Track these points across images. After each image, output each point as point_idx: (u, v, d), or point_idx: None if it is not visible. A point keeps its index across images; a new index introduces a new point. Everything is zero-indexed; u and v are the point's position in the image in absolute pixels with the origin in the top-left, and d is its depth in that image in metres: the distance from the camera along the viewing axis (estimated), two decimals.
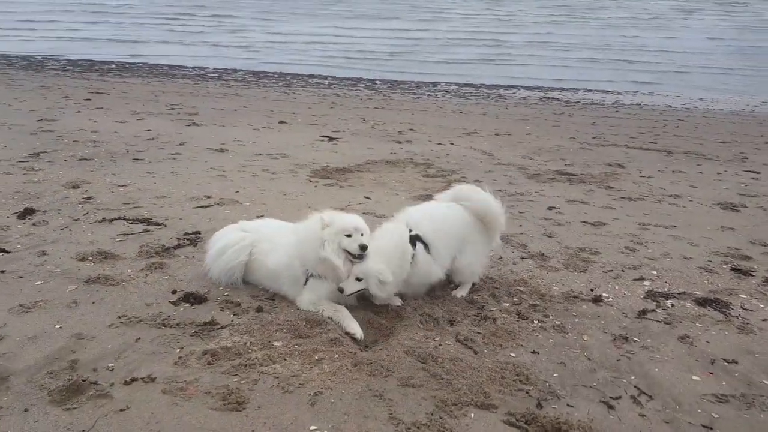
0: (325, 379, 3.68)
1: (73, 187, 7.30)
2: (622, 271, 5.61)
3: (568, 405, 3.58)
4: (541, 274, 5.44)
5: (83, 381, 3.49)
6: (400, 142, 11.36)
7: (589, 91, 21.10)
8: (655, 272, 5.60)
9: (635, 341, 4.35)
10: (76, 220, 6.19)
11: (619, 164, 10.38)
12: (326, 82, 21.28)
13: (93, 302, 4.48)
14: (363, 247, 4.38)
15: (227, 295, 4.72)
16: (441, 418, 3.38)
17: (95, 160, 8.76)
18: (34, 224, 5.99)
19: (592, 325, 4.55)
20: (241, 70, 22.85)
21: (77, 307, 4.40)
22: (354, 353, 4.00)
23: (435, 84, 21.57)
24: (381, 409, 3.44)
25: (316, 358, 3.90)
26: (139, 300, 4.55)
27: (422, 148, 10.96)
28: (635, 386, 3.79)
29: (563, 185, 8.77)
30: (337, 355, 3.94)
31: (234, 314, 4.44)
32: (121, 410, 3.30)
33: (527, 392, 3.67)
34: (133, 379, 3.56)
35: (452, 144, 11.44)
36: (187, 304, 4.53)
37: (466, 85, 21.53)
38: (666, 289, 5.21)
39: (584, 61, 26.23)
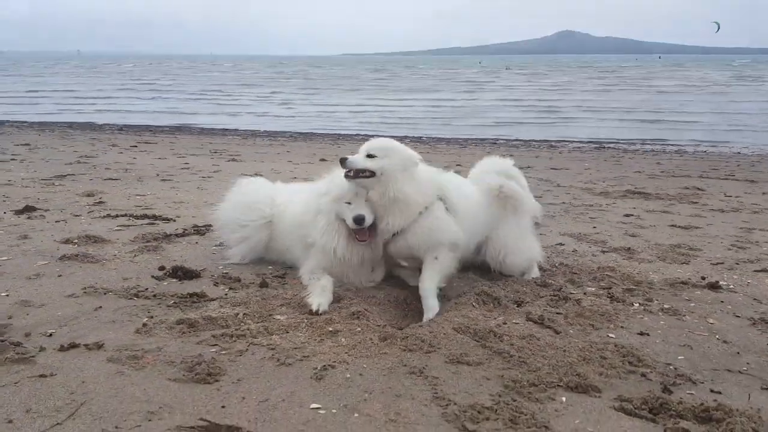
0: (341, 352, 2.57)
1: (87, 195, 6.65)
2: (736, 264, 4.38)
3: (712, 391, 2.37)
4: (630, 264, 4.22)
5: (1, 342, 2.50)
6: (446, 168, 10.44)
7: (647, 143, 19.88)
8: None
9: None
10: (77, 215, 5.44)
11: (697, 188, 9.03)
12: (372, 137, 20.91)
13: (59, 276, 3.57)
14: (358, 220, 3.23)
15: (226, 272, 3.72)
16: (514, 400, 2.19)
17: (121, 180, 8.18)
18: (29, 218, 5.27)
19: (717, 310, 3.33)
20: (289, 132, 22.94)
21: (38, 278, 3.49)
22: (383, 326, 2.88)
23: (483, 139, 20.88)
24: (421, 387, 2.28)
25: (330, 330, 2.80)
26: (116, 275, 3.62)
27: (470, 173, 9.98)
28: None
29: (637, 200, 7.52)
30: (359, 329, 2.83)
31: (230, 288, 3.42)
32: (41, 376, 2.29)
33: (643, 374, 2.46)
34: (73, 345, 2.56)
35: None
36: (174, 279, 3.56)
37: (514, 140, 20.73)
38: None
39: (639, 121, 24.99)
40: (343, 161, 3.31)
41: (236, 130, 23.09)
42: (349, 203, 3.34)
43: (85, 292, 3.25)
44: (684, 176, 10.86)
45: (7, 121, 20.42)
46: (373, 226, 3.33)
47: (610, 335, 2.89)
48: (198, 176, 8.96)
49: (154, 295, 3.24)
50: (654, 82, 42.76)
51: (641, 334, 2.92)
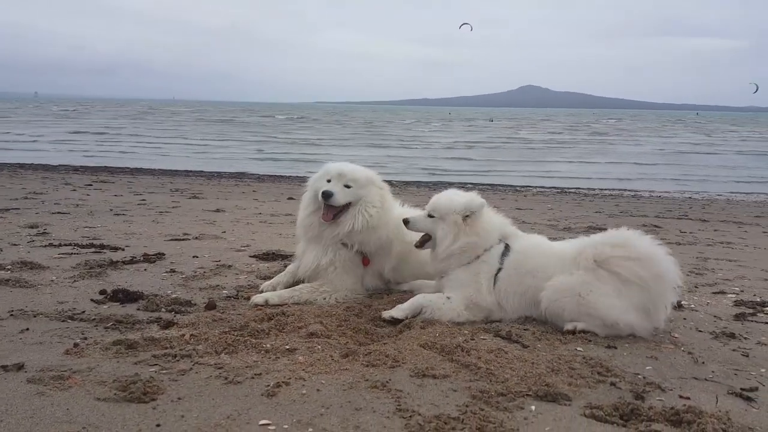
0: (297, 369, 2.33)
1: (31, 227, 6.24)
2: (695, 287, 4.55)
3: (681, 396, 2.37)
4: None
5: None
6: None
7: (606, 189, 20.42)
8: (737, 288, 4.63)
9: (745, 338, 3.25)
10: (15, 245, 5.05)
11: (655, 225, 9.24)
12: None
13: None
14: (325, 194, 3.50)
15: (175, 296, 3.45)
16: (482, 410, 2.02)
17: (70, 214, 7.77)
18: None
19: (681, 326, 3.44)
20: (258, 173, 22.45)
21: None
22: (345, 343, 2.67)
23: (450, 183, 20.96)
24: (383, 400, 2.07)
25: (287, 347, 2.56)
26: (50, 299, 3.30)
27: None
28: None
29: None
30: (319, 346, 2.60)
31: (177, 312, 3.15)
32: None
33: (613, 384, 2.42)
34: None
35: None
36: (115, 303, 3.26)
37: (480, 184, 20.93)
38: (758, 299, 4.20)
39: (604, 164, 25.58)
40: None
41: (203, 172, 22.48)
42: (329, 180, 3.64)
43: (11, 315, 2.94)
44: (641, 215, 11.11)
45: None
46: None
47: (578, 348, 2.82)
48: (154, 211, 8.60)
49: (91, 318, 2.95)
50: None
51: (609, 347, 2.90)
